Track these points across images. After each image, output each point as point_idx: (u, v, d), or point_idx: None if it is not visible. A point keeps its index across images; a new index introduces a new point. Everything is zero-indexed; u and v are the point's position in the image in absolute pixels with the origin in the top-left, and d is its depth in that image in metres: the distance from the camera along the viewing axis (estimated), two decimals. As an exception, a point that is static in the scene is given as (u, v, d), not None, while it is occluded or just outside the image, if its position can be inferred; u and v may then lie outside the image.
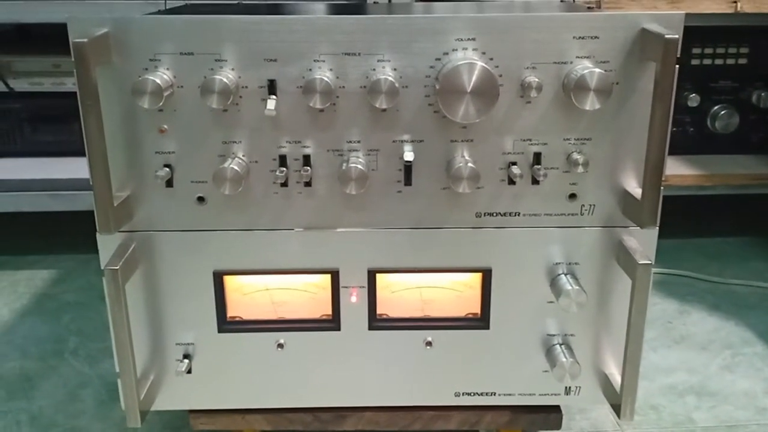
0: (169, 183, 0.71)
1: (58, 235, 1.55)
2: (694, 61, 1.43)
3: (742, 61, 1.44)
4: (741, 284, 1.34)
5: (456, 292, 0.77)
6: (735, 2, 1.26)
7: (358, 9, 0.97)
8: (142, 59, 0.67)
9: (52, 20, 1.22)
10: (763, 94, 1.42)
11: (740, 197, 1.54)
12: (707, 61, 1.43)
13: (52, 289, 1.34)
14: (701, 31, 1.36)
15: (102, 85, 0.66)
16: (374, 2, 1.11)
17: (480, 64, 0.65)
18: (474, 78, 0.65)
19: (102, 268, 0.69)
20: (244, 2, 1.05)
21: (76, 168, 1.35)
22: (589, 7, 0.88)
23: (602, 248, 0.73)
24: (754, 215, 1.66)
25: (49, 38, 1.55)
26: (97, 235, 0.71)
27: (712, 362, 1.10)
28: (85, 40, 0.62)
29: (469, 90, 0.66)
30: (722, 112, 1.44)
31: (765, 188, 1.42)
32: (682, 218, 1.60)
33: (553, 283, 0.74)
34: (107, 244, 0.72)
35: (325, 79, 0.66)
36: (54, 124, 1.40)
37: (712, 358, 1.12)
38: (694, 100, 1.42)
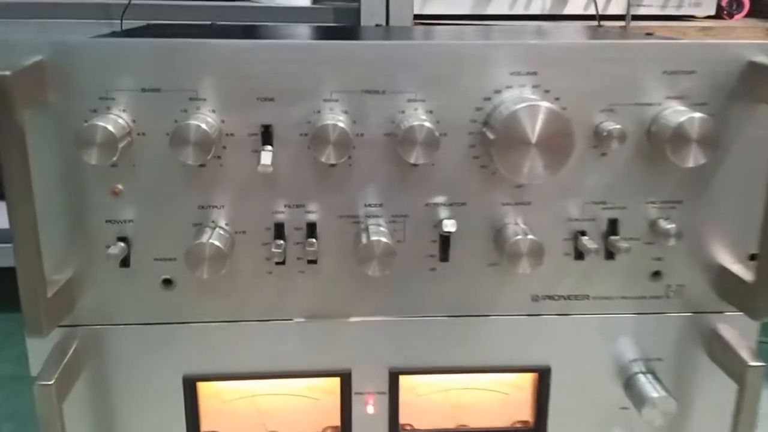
0: (125, 262, 0.54)
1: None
2: None
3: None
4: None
5: (500, 395, 0.60)
6: None
7: (351, 33, 0.81)
8: (89, 98, 0.50)
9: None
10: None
11: None
12: None
13: (-20, 359, 1.13)
14: None
15: (33, 133, 0.49)
16: (376, 25, 0.96)
17: (547, 105, 0.49)
18: (540, 124, 0.49)
19: (33, 383, 0.51)
20: (218, 23, 0.88)
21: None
22: (647, 33, 0.74)
23: (690, 340, 0.58)
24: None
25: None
26: (26, 336, 0.52)
27: None
28: (8, 72, 0.44)
29: (534, 141, 0.50)
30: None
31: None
32: None
33: (628, 384, 0.58)
34: (39, 345, 0.54)
35: (340, 125, 0.50)
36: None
37: None
38: None
